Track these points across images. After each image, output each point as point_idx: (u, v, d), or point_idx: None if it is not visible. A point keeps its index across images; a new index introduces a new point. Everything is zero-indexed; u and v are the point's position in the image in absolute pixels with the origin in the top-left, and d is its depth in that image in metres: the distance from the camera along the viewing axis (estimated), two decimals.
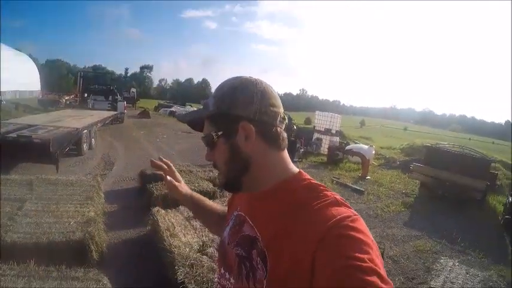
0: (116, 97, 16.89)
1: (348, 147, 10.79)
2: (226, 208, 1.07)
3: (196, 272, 2.69)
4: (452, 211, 6.56)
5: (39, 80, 28.79)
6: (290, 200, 0.70)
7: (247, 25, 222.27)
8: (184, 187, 1.09)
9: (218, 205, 1.16)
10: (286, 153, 0.77)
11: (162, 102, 32.76)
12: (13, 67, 22.71)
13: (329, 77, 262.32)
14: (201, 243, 3.31)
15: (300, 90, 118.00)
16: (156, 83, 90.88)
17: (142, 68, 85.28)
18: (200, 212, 1.15)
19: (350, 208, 0.65)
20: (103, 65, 73.86)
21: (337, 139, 12.36)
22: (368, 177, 8.88)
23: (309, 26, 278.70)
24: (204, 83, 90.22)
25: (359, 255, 0.53)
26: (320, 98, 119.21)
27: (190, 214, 4.00)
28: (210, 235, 3.53)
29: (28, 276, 2.36)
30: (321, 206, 0.64)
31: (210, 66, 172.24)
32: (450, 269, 3.97)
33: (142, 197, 5.21)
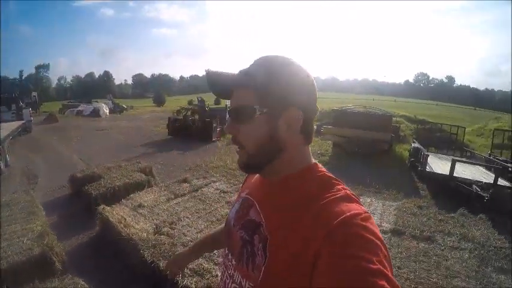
0: (19, 105, 15.11)
1: None
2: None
3: (161, 249, 3.01)
4: (365, 162, 7.59)
5: None
6: (301, 191, 0.70)
7: (145, 9, 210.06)
8: (184, 257, 1.21)
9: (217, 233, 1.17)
10: (309, 148, 0.78)
11: (65, 102, 30.15)
12: None
13: (233, 53, 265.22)
14: (154, 226, 3.65)
15: (206, 71, 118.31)
16: (55, 82, 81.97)
17: (37, 67, 75.79)
18: (210, 248, 1.36)
19: (361, 205, 0.65)
20: None
21: None
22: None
23: (209, 3, 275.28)
24: (106, 76, 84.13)
25: (367, 255, 0.52)
26: None
27: (135, 204, 4.30)
28: (160, 218, 3.86)
29: None
30: (331, 200, 0.64)
31: (111, 56, 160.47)
32: (369, 204, 4.86)
33: (79, 200, 5.20)
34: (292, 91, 0.69)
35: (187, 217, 3.94)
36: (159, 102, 36.78)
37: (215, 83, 0.75)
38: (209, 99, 19.00)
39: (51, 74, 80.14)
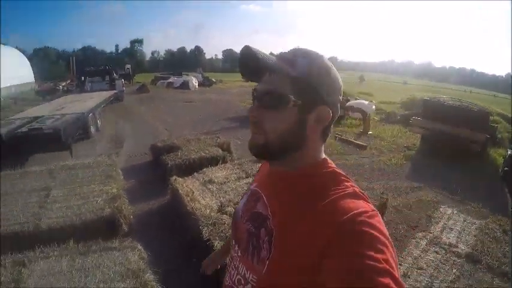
0: (113, 76, 16.81)
1: (348, 104, 10.73)
2: None
3: (219, 229, 2.96)
4: (453, 164, 6.73)
5: (31, 71, 28.15)
6: (309, 186, 0.69)
7: None
8: (217, 256, 1.23)
9: None
10: (323, 146, 0.77)
11: (158, 74, 32.35)
12: (3, 62, 22.20)
13: (325, 32, 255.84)
14: (219, 204, 3.57)
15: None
16: (148, 55, 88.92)
17: (132, 42, 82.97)
18: None
19: (369, 202, 0.64)
20: (92, 46, 71.82)
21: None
22: (370, 132, 9.01)
23: None
24: (197, 50, 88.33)
25: (373, 254, 0.52)
26: None
27: (206, 179, 4.28)
28: (227, 196, 3.81)
29: (70, 254, 2.59)
30: (338, 196, 0.64)
31: (201, 32, 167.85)
32: (449, 217, 4.10)
33: (157, 169, 5.44)
34: (327, 90, 0.70)
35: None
36: None
37: (252, 60, 0.67)
38: None
39: (145, 48, 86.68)
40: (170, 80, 24.48)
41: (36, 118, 7.17)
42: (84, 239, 2.81)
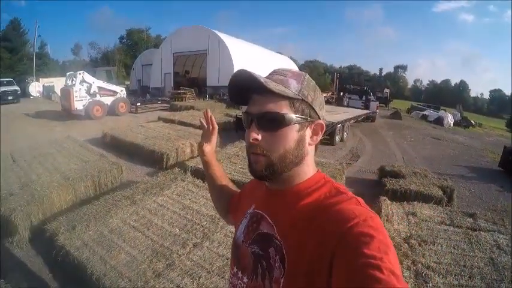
0: (369, 97, 18.35)
1: None
2: (234, 189, 1.16)
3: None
4: None
5: None
6: (312, 199, 0.72)
7: (508, 13, 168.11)
8: (209, 151, 1.14)
9: (227, 186, 1.17)
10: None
11: (415, 104, 31.57)
12: (277, 66, 28.06)
13: None
14: (408, 234, 3.83)
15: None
16: (410, 83, 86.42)
17: (396, 67, 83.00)
18: (210, 184, 1.20)
19: (368, 208, 0.67)
20: (357, 65, 76.32)
21: None
22: None
23: None
24: (462, 85, 77.73)
25: (378, 254, 0.55)
26: None
27: (411, 210, 4.50)
28: (420, 232, 3.93)
29: None
30: (341, 205, 0.67)
31: (469, 65, 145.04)
32: None
33: (376, 188, 5.98)
34: (318, 105, 0.76)
35: (439, 243, 3.72)
36: None
37: (252, 82, 0.71)
38: None
39: (408, 75, 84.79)
40: (425, 113, 23.70)
41: None
42: None
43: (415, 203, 4.93)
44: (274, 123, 0.71)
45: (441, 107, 29.07)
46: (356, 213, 0.63)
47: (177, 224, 3.44)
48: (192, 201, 4.03)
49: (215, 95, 19.29)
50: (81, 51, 53.69)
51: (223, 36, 22.14)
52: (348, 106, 16.92)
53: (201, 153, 1.14)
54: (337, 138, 9.92)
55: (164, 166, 6.30)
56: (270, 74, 0.77)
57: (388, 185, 5.67)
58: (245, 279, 0.78)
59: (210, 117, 1.11)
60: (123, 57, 47.48)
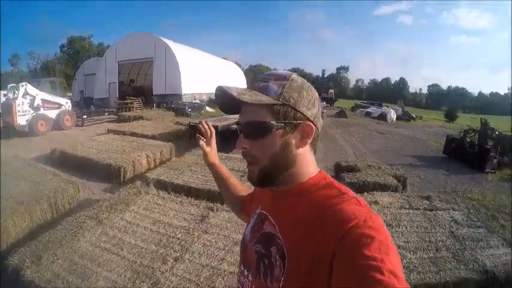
0: None
1: None
2: (245, 188, 1.21)
3: None
4: None
5: (245, 83, 33.75)
6: (312, 199, 0.72)
7: (443, 15, 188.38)
8: (213, 155, 1.18)
9: (238, 185, 1.22)
10: (314, 157, 0.81)
11: (358, 102, 33.53)
12: (224, 72, 28.15)
13: None
14: None
15: (509, 89, 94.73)
16: (352, 83, 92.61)
17: (338, 69, 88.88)
18: (220, 185, 1.23)
19: (370, 209, 0.67)
20: (300, 68, 79.65)
21: None
22: None
23: None
24: (402, 83, 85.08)
25: (378, 255, 0.55)
26: None
27: (372, 200, 4.77)
28: (384, 218, 4.19)
29: None
30: (341, 206, 0.66)
31: (408, 64, 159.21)
32: None
33: None
34: (305, 105, 0.74)
35: (403, 225, 4.01)
36: (451, 117, 33.72)
37: (227, 97, 0.74)
38: (505, 124, 15.99)
39: (350, 75, 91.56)
40: (369, 110, 25.37)
41: None
42: None
43: (375, 192, 5.30)
44: (257, 131, 0.73)
45: (383, 104, 31.08)
46: (356, 213, 0.63)
47: (151, 240, 3.28)
48: (161, 214, 3.89)
49: (162, 103, 18.81)
50: (20, 62, 49.76)
51: (169, 43, 21.62)
52: None
53: (207, 158, 1.17)
54: None
55: (122, 180, 6.03)
56: (254, 81, 0.78)
57: (346, 179, 6.03)
58: (250, 277, 0.80)
59: (206, 123, 1.17)
60: (64, 67, 44.80)
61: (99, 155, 6.81)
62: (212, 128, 1.17)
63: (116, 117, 15.34)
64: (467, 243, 3.60)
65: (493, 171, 9.28)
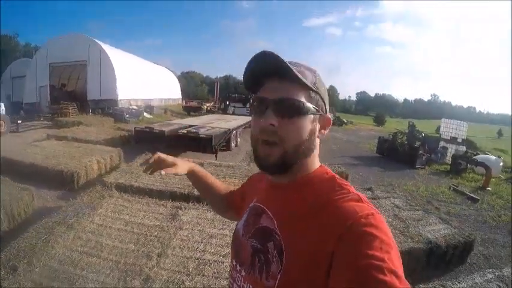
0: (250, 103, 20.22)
1: (474, 157, 10.46)
2: (227, 187, 1.17)
3: None
4: None
5: (179, 89, 33.55)
6: (313, 194, 0.71)
7: (370, 28, 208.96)
8: (182, 165, 1.07)
9: (220, 184, 1.16)
10: None
11: None
12: (158, 78, 27.66)
13: (463, 80, 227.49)
14: None
15: (432, 95, 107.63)
16: None
17: None
18: (200, 188, 1.17)
19: (371, 205, 0.66)
20: (233, 75, 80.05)
21: (463, 148, 11.96)
22: (489, 188, 8.46)
23: (437, 25, 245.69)
24: (331, 90, 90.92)
25: (379, 254, 0.54)
26: (453, 104, 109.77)
27: None
28: None
29: None
30: (342, 202, 0.65)
31: (336, 73, 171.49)
32: None
33: None
34: (327, 100, 0.77)
35: None
36: (379, 122, 36.60)
37: (267, 65, 0.70)
38: (429, 127, 18.60)
39: None
40: None
41: (191, 126, 9.91)
42: None
43: None
44: (293, 110, 0.70)
45: None
46: (357, 210, 0.62)
47: (128, 240, 3.32)
48: (131, 215, 3.91)
49: (97, 109, 17.88)
50: None
51: (104, 46, 20.40)
52: (234, 114, 17.96)
53: (183, 173, 1.08)
54: (233, 143, 10.69)
55: (76, 186, 5.81)
56: (290, 64, 0.73)
57: None
58: (243, 273, 0.77)
59: (154, 159, 1.03)
60: None
61: (48, 161, 6.44)
62: (162, 156, 1.04)
63: (51, 123, 14.43)
64: (409, 222, 4.33)
65: (423, 166, 10.97)
